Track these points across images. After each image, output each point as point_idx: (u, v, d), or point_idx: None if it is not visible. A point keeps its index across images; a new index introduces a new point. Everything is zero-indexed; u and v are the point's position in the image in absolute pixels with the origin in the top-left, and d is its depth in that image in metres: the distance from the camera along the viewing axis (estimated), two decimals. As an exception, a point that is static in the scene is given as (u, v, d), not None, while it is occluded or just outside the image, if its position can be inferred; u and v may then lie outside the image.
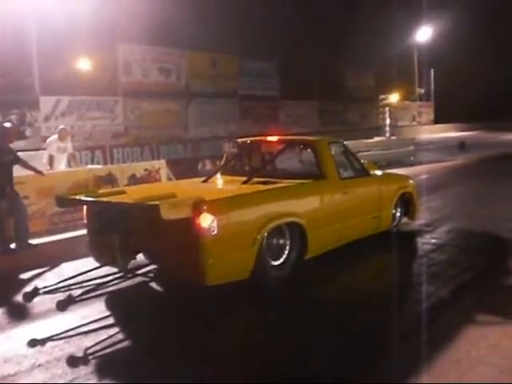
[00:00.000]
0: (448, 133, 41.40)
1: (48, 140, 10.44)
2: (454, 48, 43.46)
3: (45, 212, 8.37)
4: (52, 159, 9.95)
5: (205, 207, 4.99)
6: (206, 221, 4.97)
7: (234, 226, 5.27)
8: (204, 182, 6.93)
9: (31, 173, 7.99)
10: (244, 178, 6.43)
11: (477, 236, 7.86)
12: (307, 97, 27.59)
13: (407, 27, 36.30)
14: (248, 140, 7.66)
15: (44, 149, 10.87)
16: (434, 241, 7.54)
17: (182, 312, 5.16)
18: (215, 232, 5.01)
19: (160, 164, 10.49)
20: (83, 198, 5.70)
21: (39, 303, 5.26)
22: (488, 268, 6.32)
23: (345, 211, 6.67)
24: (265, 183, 6.29)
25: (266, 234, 5.53)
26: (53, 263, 6.79)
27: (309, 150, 7.05)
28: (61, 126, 10.63)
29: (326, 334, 4.53)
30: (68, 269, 6.40)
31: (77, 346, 4.36)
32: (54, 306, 4.75)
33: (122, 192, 6.02)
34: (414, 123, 41.04)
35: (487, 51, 47.36)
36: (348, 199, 6.74)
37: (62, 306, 4.69)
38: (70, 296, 4.82)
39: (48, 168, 9.71)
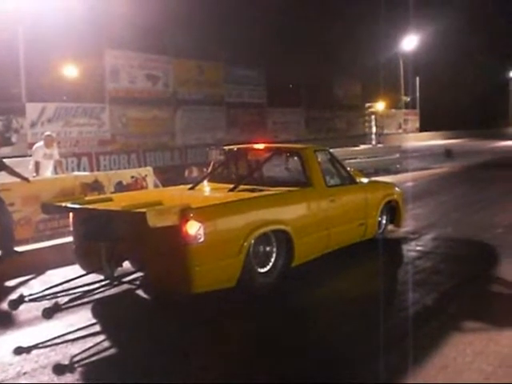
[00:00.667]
0: (434, 140, 41.81)
1: (34, 146, 10.38)
2: (439, 56, 43.96)
3: (30, 219, 8.32)
4: (38, 166, 9.91)
5: (191, 215, 4.96)
6: (193, 228, 4.93)
7: (220, 234, 5.24)
8: (190, 189, 6.92)
9: (17, 180, 7.94)
10: (231, 186, 6.43)
11: (462, 243, 7.96)
12: (294, 104, 27.80)
13: (393, 36, 36.67)
14: (235, 147, 7.69)
15: (30, 155, 10.82)
16: (419, 248, 7.62)
17: (168, 319, 5.16)
18: (202, 239, 4.98)
19: (147, 171, 10.47)
20: (69, 205, 5.64)
21: (25, 311, 5.24)
22: (472, 275, 6.40)
23: (331, 219, 6.70)
24: (252, 191, 6.28)
25: (252, 242, 5.52)
26: (38, 271, 6.76)
27: (295, 158, 7.08)
28: (47, 133, 10.59)
29: (310, 342, 4.55)
30: (54, 276, 6.38)
31: (63, 354, 4.35)
32: (39, 313, 4.73)
33: (109, 199, 5.98)
34: (400, 131, 41.31)
35: (469, 60, 48.02)
36: (335, 207, 6.78)
37: (48, 313, 4.65)
38: (56, 303, 4.79)
39: (34, 175, 9.67)
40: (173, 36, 19.73)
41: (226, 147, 7.88)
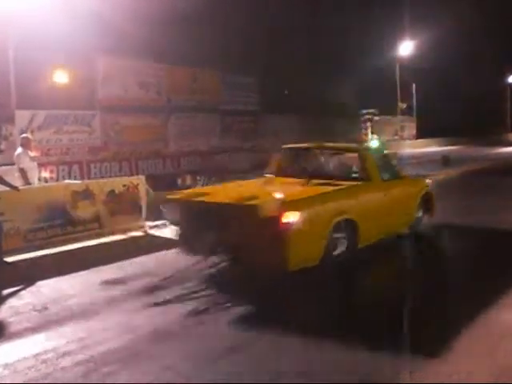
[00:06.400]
0: (431, 147, 41.85)
1: (16, 154, 9.86)
2: (436, 62, 44.14)
3: (20, 229, 8.28)
4: (25, 173, 9.52)
5: (288, 206, 6.29)
6: (290, 217, 6.21)
7: (309, 222, 6.45)
8: (266, 183, 8.26)
9: (6, 188, 7.90)
10: (296, 180, 7.88)
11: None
12: (288, 111, 27.81)
13: (390, 41, 36.88)
14: (299, 146, 9.20)
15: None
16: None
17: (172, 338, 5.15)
18: (296, 226, 6.24)
19: (139, 180, 10.46)
20: (186, 198, 7.17)
21: (15, 322, 5.22)
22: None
23: (386, 208, 8.02)
24: (323, 185, 7.56)
25: (331, 228, 6.78)
26: (28, 281, 6.72)
27: (354, 156, 8.45)
28: (23, 135, 10.30)
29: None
30: (44, 287, 6.35)
31: (53, 367, 4.33)
32: (30, 325, 4.71)
33: (205, 193, 7.30)
34: (397, 138, 41.45)
35: (467, 66, 48.30)
36: (388, 198, 8.11)
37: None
38: None
39: (22, 183, 9.43)
40: (167, 43, 19.78)
41: (287, 146, 9.21)
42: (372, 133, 28.81)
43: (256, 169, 14.77)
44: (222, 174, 15.07)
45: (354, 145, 9.80)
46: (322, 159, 8.83)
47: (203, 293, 6.20)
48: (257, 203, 6.25)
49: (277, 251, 6.30)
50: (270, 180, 8.50)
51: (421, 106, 45.26)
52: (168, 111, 20.87)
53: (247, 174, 12.92)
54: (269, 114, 26.36)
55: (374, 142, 26.54)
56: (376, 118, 31.99)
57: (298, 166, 8.79)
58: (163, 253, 8.01)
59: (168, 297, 5.93)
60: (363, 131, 30.37)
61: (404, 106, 42.95)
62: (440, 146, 43.66)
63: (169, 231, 8.55)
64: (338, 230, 7.01)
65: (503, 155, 32.01)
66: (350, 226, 7.19)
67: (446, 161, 24.60)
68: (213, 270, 6.98)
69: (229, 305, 5.81)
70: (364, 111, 30.45)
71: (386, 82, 38.90)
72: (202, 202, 6.91)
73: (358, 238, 7.32)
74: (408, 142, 42.46)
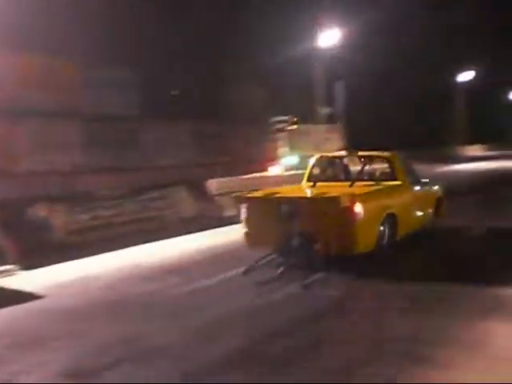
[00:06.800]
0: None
1: None
2: (367, 59, 45.33)
3: None
4: None
5: (358, 198, 10.92)
6: (358, 208, 10.78)
7: (370, 213, 11.10)
8: (312, 186, 13.64)
9: None
10: (338, 183, 13.51)
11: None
12: (178, 117, 27.78)
13: (307, 32, 37.62)
14: (333, 155, 15.56)
15: None
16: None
17: None
18: (361, 216, 10.89)
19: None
20: (263, 195, 12.25)
21: None
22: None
23: (414, 207, 13.39)
24: (367, 186, 12.78)
25: (382, 220, 11.74)
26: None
27: (386, 161, 14.03)
28: None
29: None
30: None
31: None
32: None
33: (277, 192, 12.46)
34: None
35: (405, 64, 50.21)
36: (415, 198, 13.54)
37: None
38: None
39: None
40: (9, 24, 19.49)
41: (320, 155, 14.98)
42: (290, 146, 29.22)
43: (139, 194, 15.15)
44: (89, 203, 15.18)
45: (385, 152, 14.24)
46: (355, 165, 14.24)
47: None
48: (338, 195, 11.00)
49: (347, 237, 10.85)
50: (313, 185, 13.62)
51: (351, 111, 46.42)
52: (13, 116, 20.43)
53: (126, 202, 13.36)
54: (152, 120, 26.29)
55: (290, 159, 27.17)
56: (292, 126, 32.20)
57: (333, 172, 14.30)
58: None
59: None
60: (273, 144, 30.38)
61: (327, 110, 43.65)
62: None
63: (18, 280, 8.66)
64: (383, 222, 11.76)
65: (458, 175, 33.11)
66: (392, 220, 11.95)
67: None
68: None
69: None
70: (277, 118, 30.61)
71: (305, 82, 39.41)
72: (285, 197, 11.76)
73: (397, 230, 12.21)
74: (335, 157, 43.03)
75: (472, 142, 67.79)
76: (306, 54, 38.91)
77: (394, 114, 50.24)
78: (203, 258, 13.40)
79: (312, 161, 14.37)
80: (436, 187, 15.58)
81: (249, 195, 12.05)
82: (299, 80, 38.41)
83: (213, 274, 11.74)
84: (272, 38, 32.52)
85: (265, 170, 23.57)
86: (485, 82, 62.95)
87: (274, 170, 25.80)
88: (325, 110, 43.59)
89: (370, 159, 14.04)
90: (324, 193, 11.56)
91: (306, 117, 39.18)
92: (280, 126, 30.91)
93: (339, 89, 45.27)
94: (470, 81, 64.08)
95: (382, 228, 11.65)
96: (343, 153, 15.04)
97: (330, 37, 39.40)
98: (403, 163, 13.75)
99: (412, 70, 51.42)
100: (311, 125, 41.24)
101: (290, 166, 27.96)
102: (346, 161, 14.46)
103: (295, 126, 33.38)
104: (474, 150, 66.84)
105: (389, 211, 11.74)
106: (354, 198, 10.81)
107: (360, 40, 41.69)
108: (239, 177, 23.88)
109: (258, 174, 21.99)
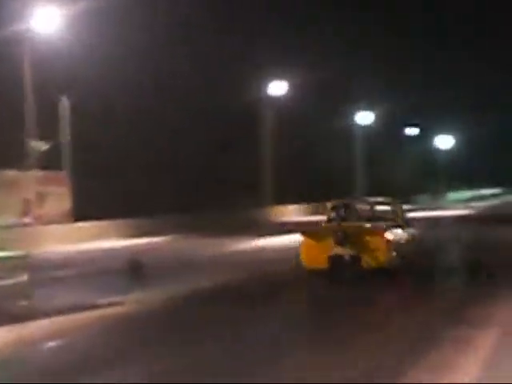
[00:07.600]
0: (109, 240, 31.28)
1: None
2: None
3: None
4: None
5: (386, 229, 15.98)
6: (388, 235, 15.67)
7: (392, 239, 15.93)
8: (338, 226, 17.07)
9: None
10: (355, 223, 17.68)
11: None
12: None
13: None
14: (343, 202, 19.71)
15: None
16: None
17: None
18: (390, 241, 15.71)
19: None
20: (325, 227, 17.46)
21: None
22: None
23: (407, 244, 17.01)
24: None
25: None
26: None
27: (388, 206, 18.84)
28: None
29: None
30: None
31: None
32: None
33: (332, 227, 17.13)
34: (28, 221, 29.29)
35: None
36: (408, 237, 17.30)
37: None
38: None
39: None
40: None
41: (333, 202, 18.97)
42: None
43: None
44: None
45: (387, 198, 20.05)
46: (366, 209, 18.99)
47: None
48: (376, 226, 16.58)
49: (381, 256, 15.26)
50: (337, 224, 17.20)
51: (84, 143, 33.55)
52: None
53: None
54: None
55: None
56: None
57: (343, 215, 17.62)
58: None
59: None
60: None
61: (47, 146, 31.22)
62: (126, 236, 32.75)
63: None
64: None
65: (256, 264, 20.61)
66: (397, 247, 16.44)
67: (135, 270, 18.11)
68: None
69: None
70: None
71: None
72: (341, 226, 16.48)
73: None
74: (56, 228, 31.23)
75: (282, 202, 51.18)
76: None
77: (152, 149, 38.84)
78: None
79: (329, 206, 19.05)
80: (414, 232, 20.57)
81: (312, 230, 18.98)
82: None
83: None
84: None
85: None
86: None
87: None
88: (41, 145, 30.36)
89: (378, 204, 19.43)
90: (361, 226, 16.88)
91: (6, 156, 27.94)
92: None
93: (64, 111, 32.05)
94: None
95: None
96: (350, 200, 22.20)
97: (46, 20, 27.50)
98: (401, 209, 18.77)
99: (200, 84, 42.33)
100: (16, 171, 30.15)
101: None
102: (353, 205, 19.14)
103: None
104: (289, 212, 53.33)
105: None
106: (385, 228, 16.07)
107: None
108: None
109: None
